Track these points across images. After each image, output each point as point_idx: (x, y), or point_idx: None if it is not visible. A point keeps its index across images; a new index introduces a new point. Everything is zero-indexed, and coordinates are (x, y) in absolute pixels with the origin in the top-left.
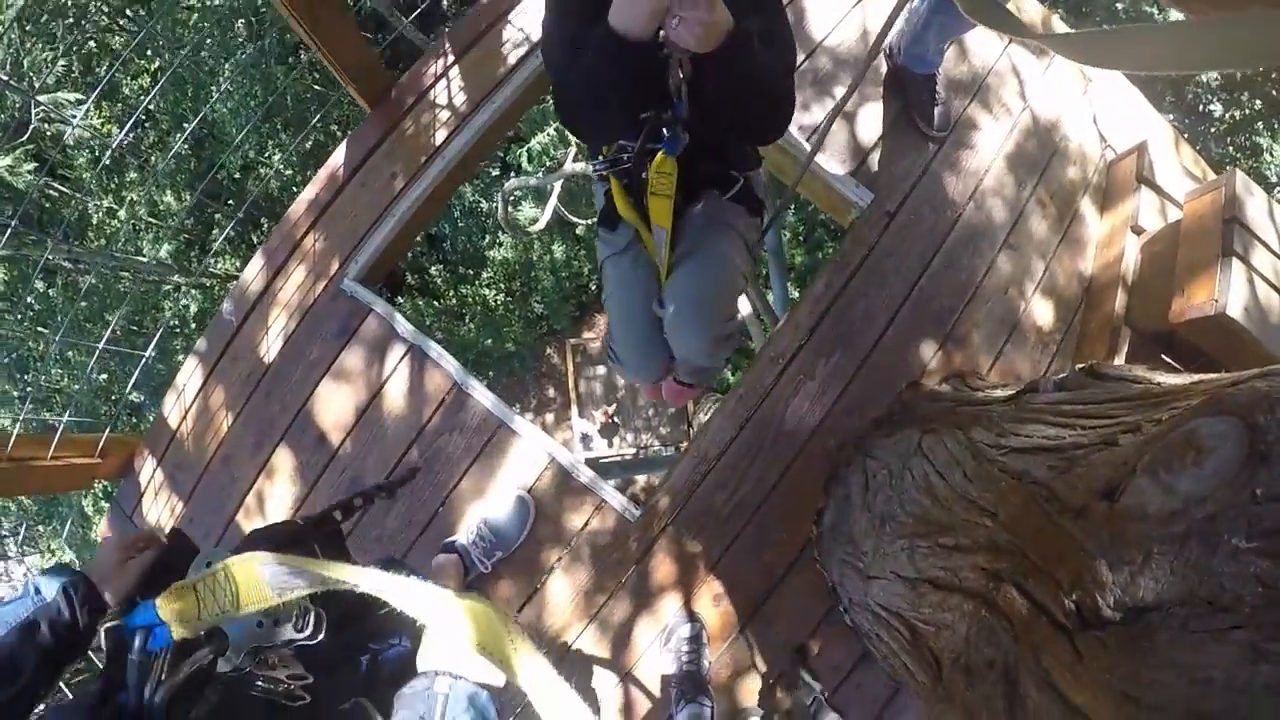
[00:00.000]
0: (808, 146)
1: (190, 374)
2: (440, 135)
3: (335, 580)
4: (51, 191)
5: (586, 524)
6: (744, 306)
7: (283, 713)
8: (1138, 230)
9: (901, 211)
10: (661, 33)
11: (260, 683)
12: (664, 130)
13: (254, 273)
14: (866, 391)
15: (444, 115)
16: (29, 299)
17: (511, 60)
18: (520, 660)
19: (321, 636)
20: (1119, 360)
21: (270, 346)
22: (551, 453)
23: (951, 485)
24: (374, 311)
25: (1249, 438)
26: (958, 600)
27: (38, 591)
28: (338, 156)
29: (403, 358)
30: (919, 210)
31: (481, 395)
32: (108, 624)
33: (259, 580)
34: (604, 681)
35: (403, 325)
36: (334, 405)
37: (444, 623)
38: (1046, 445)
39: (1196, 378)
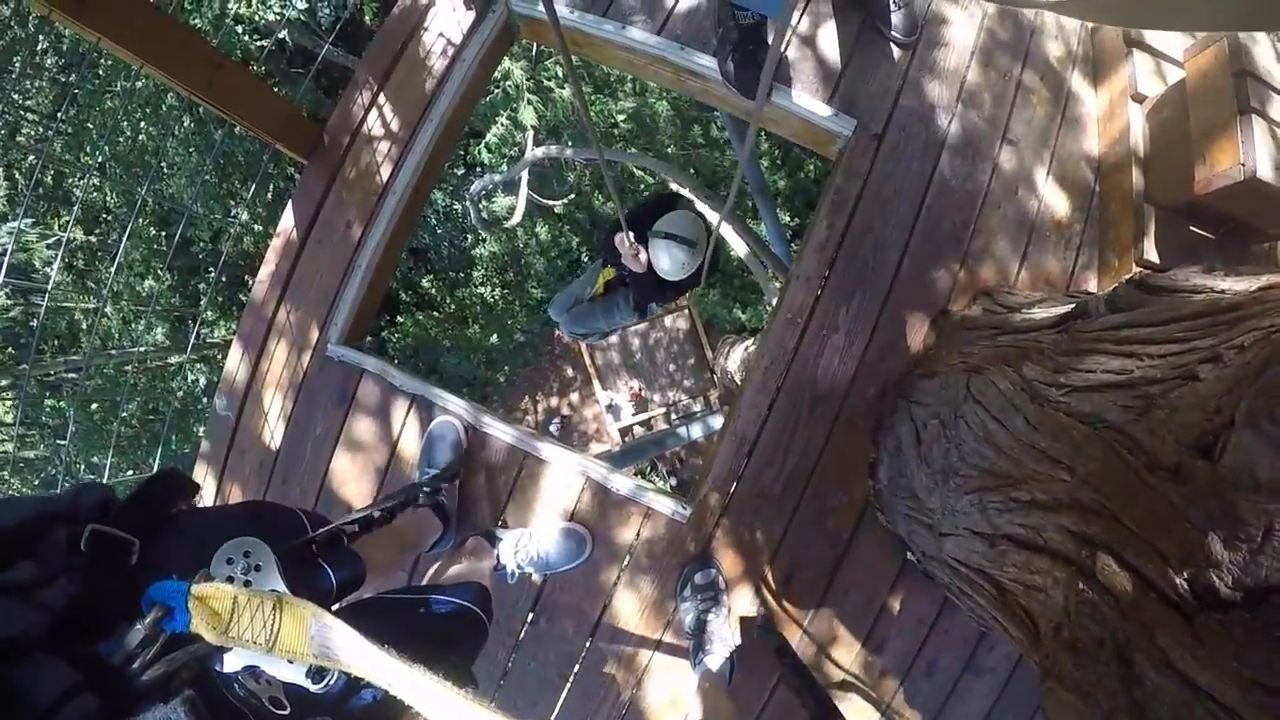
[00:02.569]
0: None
1: (203, 479)
2: (386, 170)
3: (382, 680)
4: (36, 308)
5: (639, 535)
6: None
7: None
8: (1138, 98)
9: (889, 131)
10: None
11: (239, 690)
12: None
13: (236, 362)
14: (895, 331)
15: (384, 147)
16: (42, 418)
17: (438, 70)
18: None
19: (327, 693)
20: (1149, 242)
21: (273, 432)
22: (585, 471)
23: (1014, 433)
24: (367, 371)
25: None
26: (1046, 564)
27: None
28: (287, 220)
29: (409, 411)
30: (907, 126)
31: (498, 430)
32: (96, 526)
33: (305, 632)
34: (688, 685)
35: (400, 378)
36: (353, 475)
37: None
38: (1114, 381)
39: (1263, 281)
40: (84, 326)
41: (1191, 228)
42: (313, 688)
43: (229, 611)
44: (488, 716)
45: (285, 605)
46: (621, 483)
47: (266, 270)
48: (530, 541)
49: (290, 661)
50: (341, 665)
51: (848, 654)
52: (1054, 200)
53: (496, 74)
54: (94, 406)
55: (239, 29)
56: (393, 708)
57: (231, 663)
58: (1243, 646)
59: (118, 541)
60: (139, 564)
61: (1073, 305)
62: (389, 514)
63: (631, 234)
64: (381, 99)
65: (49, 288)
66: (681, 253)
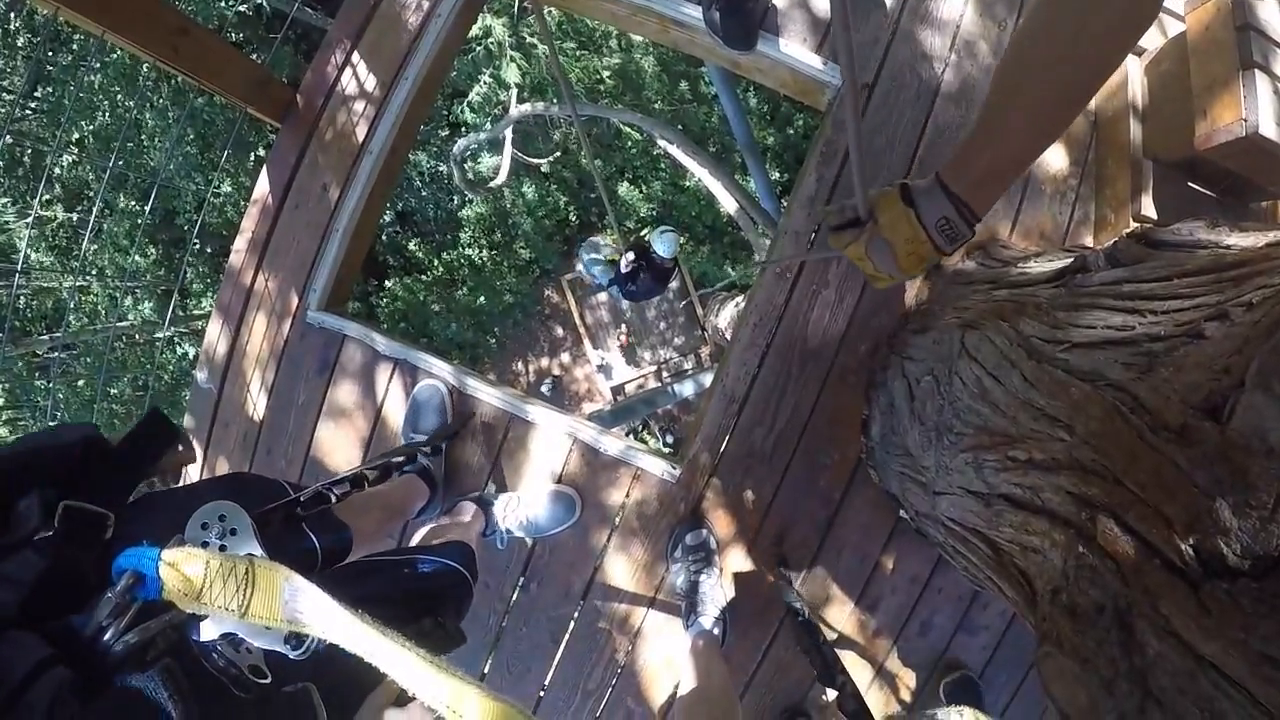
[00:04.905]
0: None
1: None
2: (362, 130)
3: (353, 646)
4: (20, 288)
5: (628, 496)
6: None
7: (226, 695)
8: (1137, 51)
9: (880, 81)
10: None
11: (218, 660)
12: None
13: (216, 333)
14: (885, 289)
15: (360, 106)
16: (36, 398)
17: (413, 25)
18: None
19: (306, 658)
20: (1147, 198)
21: (256, 403)
22: (572, 432)
23: (1010, 391)
24: (348, 337)
25: None
26: (1044, 525)
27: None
28: (262, 185)
29: (392, 375)
30: (898, 75)
31: (484, 392)
32: (70, 503)
33: (278, 597)
34: (681, 647)
35: (382, 343)
36: (338, 443)
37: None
38: (1115, 338)
39: (1271, 237)
40: (70, 305)
41: (1190, 184)
42: (292, 654)
43: (201, 577)
44: (455, 682)
45: (258, 569)
46: (610, 444)
47: (243, 238)
48: (519, 505)
49: (267, 628)
50: (313, 630)
51: (841, 613)
52: (1049, 153)
53: (477, 31)
54: (81, 384)
55: None
56: (374, 670)
57: (209, 631)
58: (1251, 617)
59: (92, 516)
60: (114, 538)
61: (1071, 259)
62: (384, 473)
63: (632, 253)
64: (355, 58)
65: (21, 267)
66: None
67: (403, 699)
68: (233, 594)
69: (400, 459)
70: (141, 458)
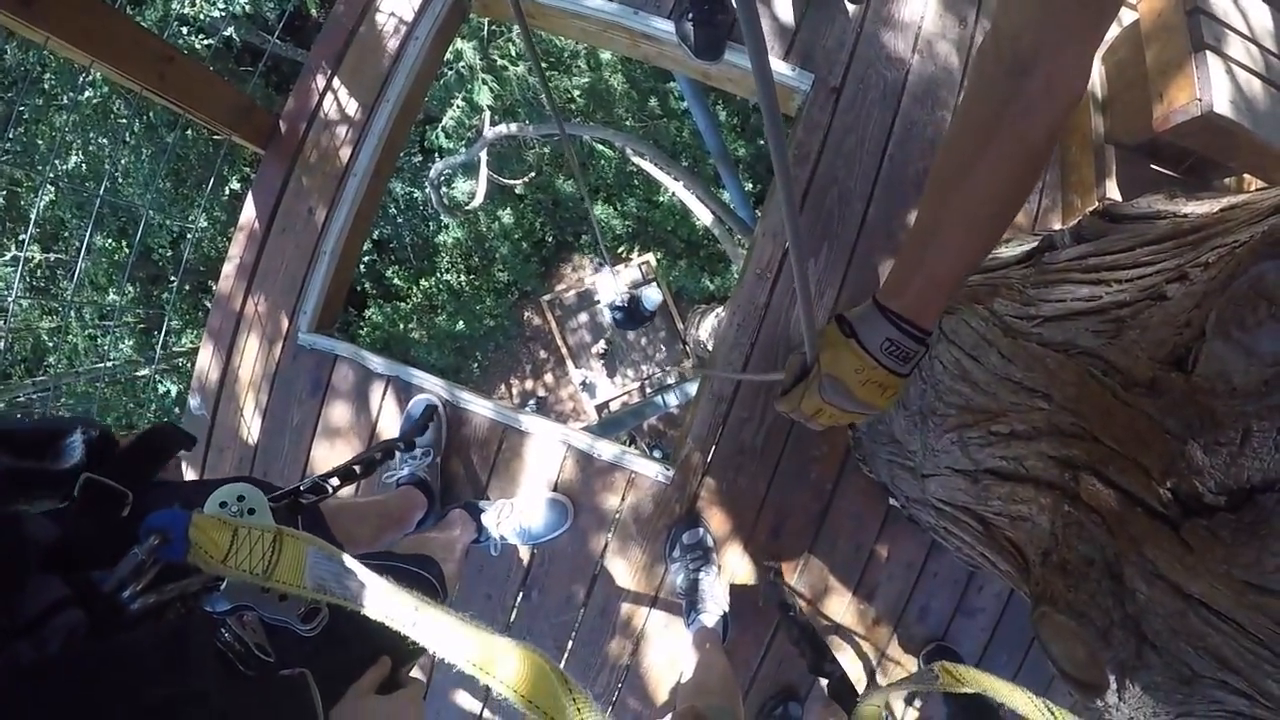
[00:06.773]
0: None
1: None
2: (345, 153)
3: (375, 610)
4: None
5: (624, 499)
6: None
7: (231, 671)
8: None
9: (847, 83)
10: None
11: (226, 635)
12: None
13: (208, 359)
14: (864, 281)
15: (342, 130)
16: None
17: (392, 49)
18: None
19: (315, 634)
20: (1111, 182)
21: (250, 426)
22: (566, 440)
23: (988, 368)
24: (340, 357)
25: None
26: (1030, 492)
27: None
28: (249, 210)
29: (385, 393)
30: (865, 77)
31: (477, 405)
32: (91, 475)
33: (302, 563)
34: (684, 645)
35: (374, 361)
36: (334, 462)
37: (493, 675)
38: (1084, 309)
39: (1225, 203)
40: (50, 346)
41: (1153, 165)
42: (302, 628)
43: (229, 541)
44: (493, 638)
45: (285, 537)
46: (604, 449)
47: (231, 264)
48: (512, 513)
49: (283, 598)
50: (336, 597)
51: (840, 603)
52: None
53: (448, 56)
54: None
55: (184, 30)
56: (361, 655)
57: (221, 604)
58: (1230, 548)
59: (111, 492)
60: (130, 516)
61: (1039, 241)
62: (367, 467)
63: (628, 294)
64: (336, 82)
65: (11, 306)
66: (651, 294)
67: (386, 686)
68: (258, 559)
69: (379, 455)
70: (151, 458)
